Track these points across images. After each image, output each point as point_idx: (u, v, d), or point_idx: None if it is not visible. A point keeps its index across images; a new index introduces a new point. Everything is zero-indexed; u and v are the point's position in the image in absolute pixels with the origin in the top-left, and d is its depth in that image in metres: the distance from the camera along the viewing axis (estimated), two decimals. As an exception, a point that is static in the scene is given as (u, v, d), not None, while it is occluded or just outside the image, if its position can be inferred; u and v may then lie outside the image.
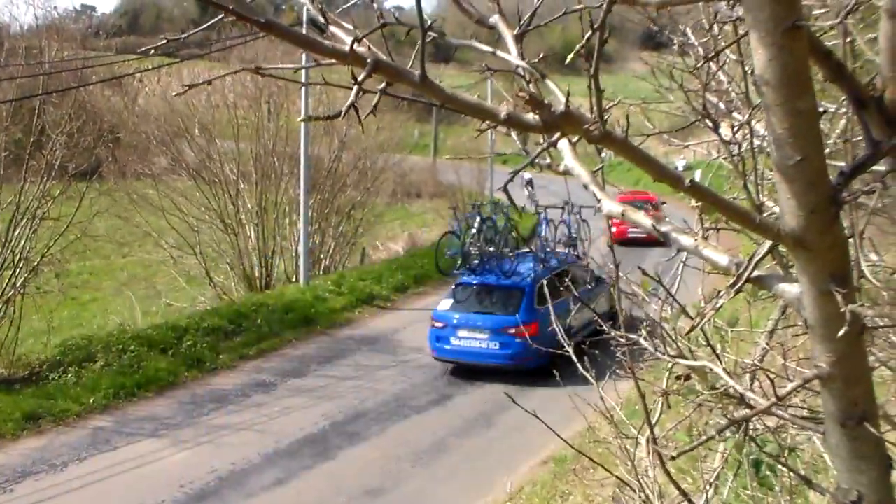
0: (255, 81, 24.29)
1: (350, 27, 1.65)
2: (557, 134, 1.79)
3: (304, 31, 1.61)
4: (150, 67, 22.13)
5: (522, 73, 1.81)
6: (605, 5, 1.54)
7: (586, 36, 1.63)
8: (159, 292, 23.01)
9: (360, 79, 1.50)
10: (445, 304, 16.36)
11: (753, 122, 2.73)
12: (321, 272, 24.35)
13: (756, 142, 2.78)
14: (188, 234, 22.77)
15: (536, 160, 2.01)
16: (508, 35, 1.89)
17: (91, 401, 13.94)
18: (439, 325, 15.95)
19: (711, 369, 2.36)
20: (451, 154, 37.45)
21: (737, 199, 3.98)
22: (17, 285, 15.60)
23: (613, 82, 2.26)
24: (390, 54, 1.60)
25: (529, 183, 35.71)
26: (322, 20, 1.67)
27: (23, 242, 15.67)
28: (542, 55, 2.07)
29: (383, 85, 1.58)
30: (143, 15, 78.18)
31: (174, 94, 25.60)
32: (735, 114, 3.45)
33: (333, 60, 1.57)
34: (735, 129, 3.21)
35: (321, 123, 24.76)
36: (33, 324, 17.10)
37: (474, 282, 16.24)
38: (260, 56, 24.55)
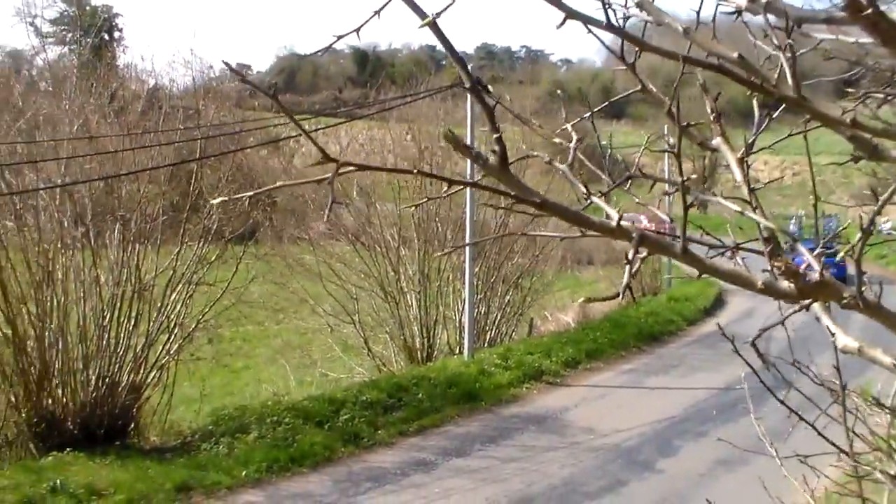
0: (417, 142, 24.83)
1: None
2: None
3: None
4: (308, 129, 22.95)
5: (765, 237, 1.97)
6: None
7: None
8: (314, 361, 23.51)
9: (630, 256, 1.77)
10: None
11: None
12: (486, 344, 24.34)
13: None
14: (346, 301, 23.25)
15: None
16: (733, 159, 2.09)
17: (243, 474, 14.21)
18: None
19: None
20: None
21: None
22: (172, 351, 16.29)
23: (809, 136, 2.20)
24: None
25: None
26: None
27: (178, 308, 16.38)
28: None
29: (644, 254, 1.83)
30: (299, 73, 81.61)
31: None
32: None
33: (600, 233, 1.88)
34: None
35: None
36: (185, 390, 17.78)
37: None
38: (421, 115, 25.14)
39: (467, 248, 22.02)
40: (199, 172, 17.25)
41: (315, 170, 1.71)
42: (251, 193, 2.10)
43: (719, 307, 32.41)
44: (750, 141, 2.13)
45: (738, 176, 2.07)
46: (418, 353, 23.31)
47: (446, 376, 19.70)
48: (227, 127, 18.98)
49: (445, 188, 1.88)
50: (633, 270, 1.77)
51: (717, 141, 2.12)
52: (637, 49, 1.93)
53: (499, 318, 25.58)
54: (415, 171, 1.86)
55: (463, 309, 23.07)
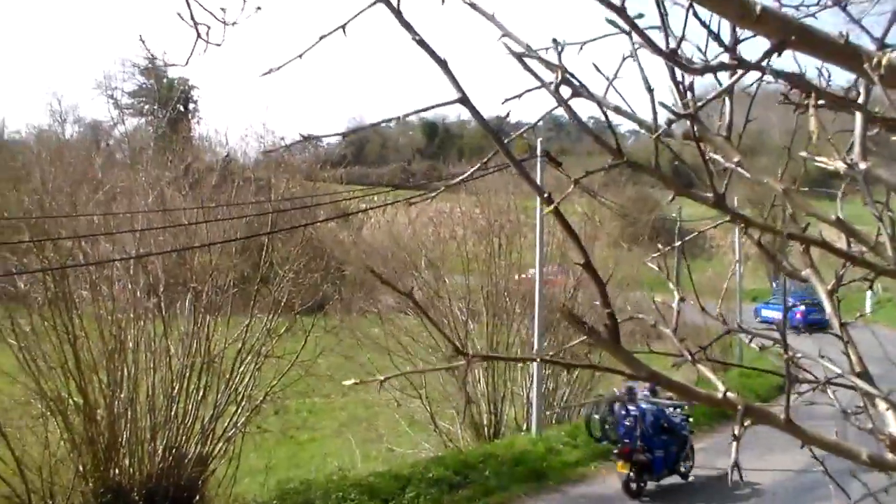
0: (486, 215, 24.92)
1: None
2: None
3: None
4: (377, 203, 23.19)
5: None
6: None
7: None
8: (380, 436, 23.39)
9: (736, 431, 1.85)
10: None
11: None
12: (554, 421, 24.03)
13: None
14: (413, 375, 23.16)
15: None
16: (822, 291, 2.11)
17: (306, 552, 14.12)
18: None
19: None
20: (696, 289, 36.59)
21: None
22: (239, 423, 16.35)
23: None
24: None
25: None
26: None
27: (246, 380, 16.48)
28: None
29: (749, 423, 1.91)
30: (368, 145, 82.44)
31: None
32: None
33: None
34: None
35: (555, 254, 24.99)
36: (251, 462, 17.79)
37: None
38: (490, 188, 25.28)
39: (535, 323, 21.90)
40: (270, 245, 17.46)
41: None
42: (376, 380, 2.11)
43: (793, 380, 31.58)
44: (840, 274, 2.13)
45: (829, 308, 2.07)
46: (485, 429, 23.09)
47: (513, 454, 19.44)
48: (298, 200, 19.24)
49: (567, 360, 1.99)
50: (739, 435, 1.82)
51: (806, 272, 2.15)
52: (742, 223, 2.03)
53: (567, 394, 25.27)
54: (537, 358, 1.99)
55: (531, 385, 22.84)
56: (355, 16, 1.80)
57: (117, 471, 15.34)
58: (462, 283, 24.57)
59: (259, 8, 2.36)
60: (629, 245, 27.90)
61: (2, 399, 15.56)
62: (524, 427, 23.04)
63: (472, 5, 1.77)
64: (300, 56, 1.88)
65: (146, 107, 67.44)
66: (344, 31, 1.82)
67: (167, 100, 43.84)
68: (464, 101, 1.77)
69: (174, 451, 15.66)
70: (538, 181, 21.65)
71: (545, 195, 1.79)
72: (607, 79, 1.88)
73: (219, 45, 2.37)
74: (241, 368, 16.47)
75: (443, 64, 1.77)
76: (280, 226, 17.83)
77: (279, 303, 16.95)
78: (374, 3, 1.75)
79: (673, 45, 1.81)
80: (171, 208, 16.87)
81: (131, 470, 15.43)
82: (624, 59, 1.90)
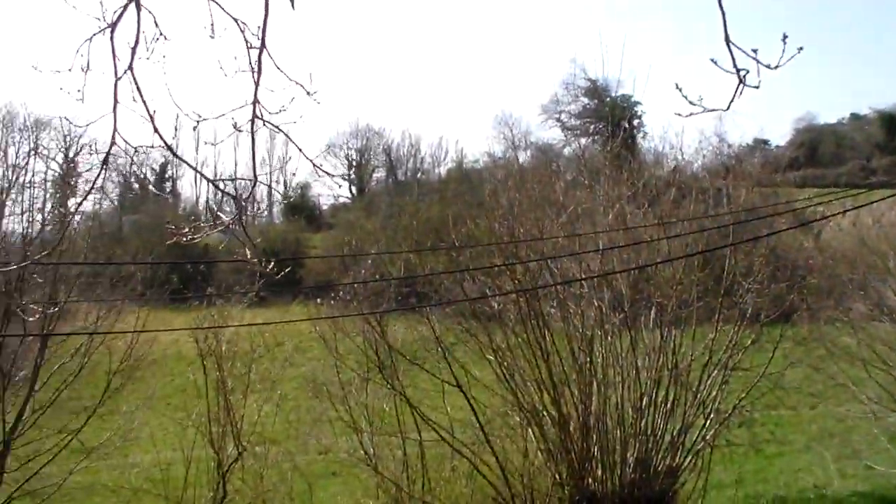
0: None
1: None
2: None
3: None
4: (838, 208, 21.78)
5: None
6: None
7: None
8: (857, 452, 21.75)
9: None
10: None
11: None
12: None
13: None
14: (893, 386, 21.32)
15: None
16: None
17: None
18: None
19: None
20: None
21: None
22: (708, 437, 16.08)
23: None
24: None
25: None
26: None
27: (714, 392, 16.17)
28: None
29: None
30: (822, 144, 77.15)
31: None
32: None
33: None
34: None
35: None
36: (716, 475, 17.36)
37: None
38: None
39: None
40: (732, 257, 16.99)
41: None
42: None
43: None
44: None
45: None
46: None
47: None
48: (756, 210, 18.59)
49: None
50: None
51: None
52: None
53: None
54: None
55: None
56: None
57: (591, 480, 15.75)
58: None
59: (802, 47, 2.26)
60: None
61: (484, 410, 16.65)
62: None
63: None
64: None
65: (591, 126, 69.66)
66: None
67: (617, 119, 44.63)
68: None
69: (644, 462, 15.75)
70: None
71: None
72: None
73: (756, 87, 2.33)
74: (709, 381, 16.19)
75: None
76: (740, 236, 17.31)
77: (744, 314, 16.44)
78: None
79: None
80: (631, 225, 17.02)
81: (604, 479, 15.76)
82: None
